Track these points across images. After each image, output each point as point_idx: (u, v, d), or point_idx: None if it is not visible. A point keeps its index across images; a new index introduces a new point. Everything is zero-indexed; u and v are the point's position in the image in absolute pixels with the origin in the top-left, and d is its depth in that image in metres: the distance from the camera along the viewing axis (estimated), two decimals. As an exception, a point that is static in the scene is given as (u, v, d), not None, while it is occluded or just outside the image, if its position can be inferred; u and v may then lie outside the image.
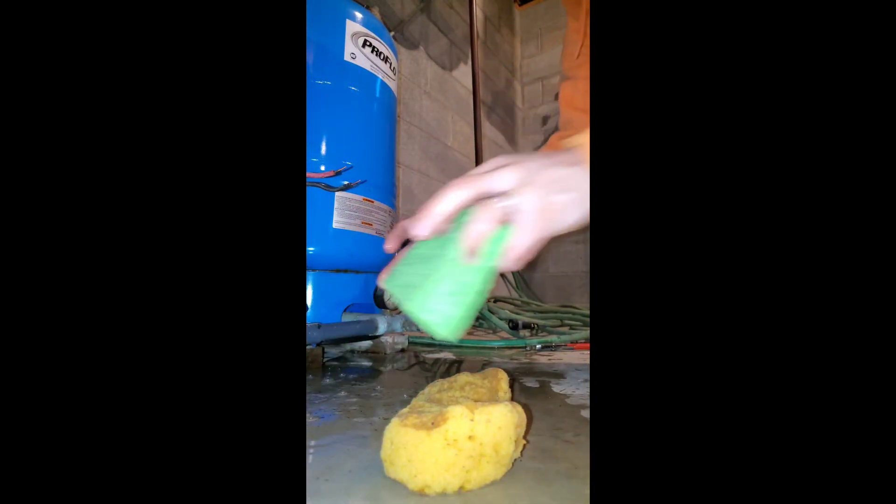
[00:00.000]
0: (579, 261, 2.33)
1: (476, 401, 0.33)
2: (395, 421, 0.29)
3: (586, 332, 1.08)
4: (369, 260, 0.88)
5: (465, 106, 2.06)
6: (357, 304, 0.89)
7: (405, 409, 0.31)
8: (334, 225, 0.82)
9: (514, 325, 1.13)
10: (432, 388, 0.37)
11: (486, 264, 0.32)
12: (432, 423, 0.28)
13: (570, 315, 1.39)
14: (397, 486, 0.28)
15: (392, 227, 0.96)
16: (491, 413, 0.28)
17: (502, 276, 2.02)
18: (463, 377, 0.39)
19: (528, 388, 0.58)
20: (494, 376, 0.40)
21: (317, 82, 0.86)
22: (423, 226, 0.33)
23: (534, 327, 1.15)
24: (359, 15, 0.93)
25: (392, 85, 1.00)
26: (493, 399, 0.37)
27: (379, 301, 0.88)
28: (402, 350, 0.96)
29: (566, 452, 0.35)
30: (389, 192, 0.96)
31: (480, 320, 1.24)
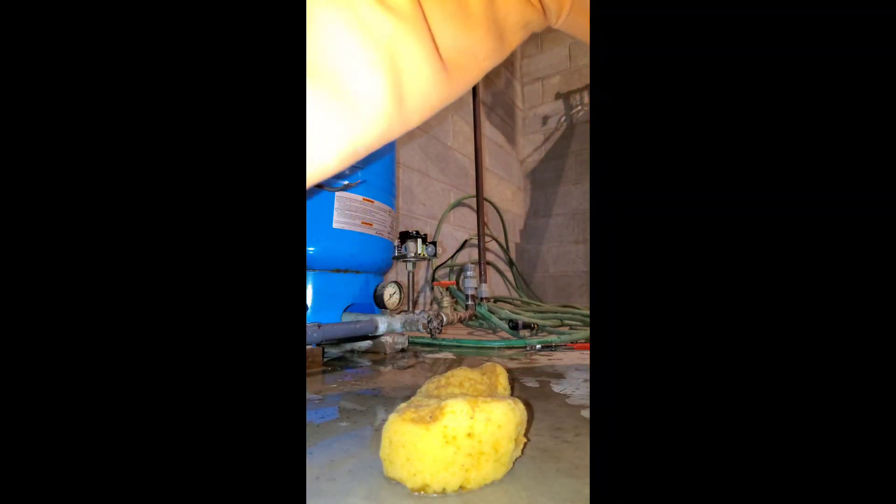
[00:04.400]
0: (579, 261, 2.33)
1: (475, 396, 0.32)
2: (392, 417, 0.29)
3: (586, 332, 1.08)
4: (369, 260, 0.88)
5: (465, 106, 2.06)
6: (357, 304, 0.89)
7: (403, 405, 0.31)
8: (334, 225, 0.82)
9: (514, 325, 1.13)
10: (430, 385, 0.36)
11: None
12: (430, 417, 0.27)
13: (570, 315, 1.39)
14: (397, 485, 0.28)
15: (392, 227, 0.96)
16: (491, 411, 0.28)
17: (502, 275, 2.02)
18: (461, 372, 0.38)
19: (528, 388, 0.58)
20: (493, 371, 0.39)
21: (317, 82, 0.85)
22: None
23: (534, 327, 1.15)
24: (359, 15, 0.93)
25: (392, 85, 1.00)
26: (492, 394, 0.36)
27: (379, 301, 0.88)
28: (402, 350, 0.96)
29: (566, 452, 0.35)
30: (389, 192, 0.96)
31: (480, 320, 1.23)
